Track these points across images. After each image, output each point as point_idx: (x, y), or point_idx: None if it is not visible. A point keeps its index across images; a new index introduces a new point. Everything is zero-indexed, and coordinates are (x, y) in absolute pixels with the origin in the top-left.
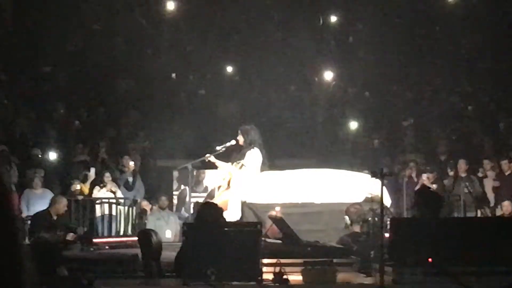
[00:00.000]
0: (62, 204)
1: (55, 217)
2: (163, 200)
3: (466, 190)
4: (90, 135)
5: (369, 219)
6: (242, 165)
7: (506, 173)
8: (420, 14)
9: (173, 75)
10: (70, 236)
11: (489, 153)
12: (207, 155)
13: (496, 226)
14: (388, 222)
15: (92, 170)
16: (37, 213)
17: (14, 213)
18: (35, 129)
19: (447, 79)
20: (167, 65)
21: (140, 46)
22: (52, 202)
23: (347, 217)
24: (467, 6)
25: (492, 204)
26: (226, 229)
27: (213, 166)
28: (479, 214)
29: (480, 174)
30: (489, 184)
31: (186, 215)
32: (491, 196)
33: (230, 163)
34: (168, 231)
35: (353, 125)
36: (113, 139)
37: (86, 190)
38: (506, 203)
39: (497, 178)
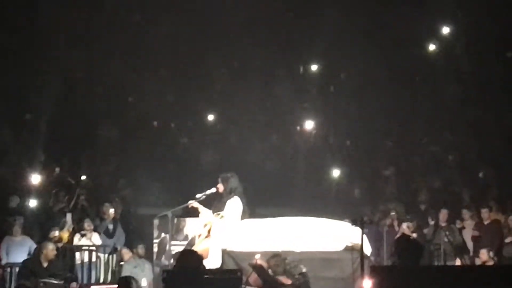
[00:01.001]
0: (50, 249)
1: (45, 264)
2: (140, 248)
3: (446, 239)
4: (70, 183)
5: (303, 270)
6: (222, 216)
7: (485, 222)
8: (402, 64)
9: (155, 123)
10: (74, 285)
11: (468, 203)
12: (190, 201)
13: (476, 274)
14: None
15: (69, 216)
16: (26, 260)
17: None
18: (15, 176)
19: (428, 129)
20: (148, 113)
21: (122, 94)
22: (40, 249)
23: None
24: (449, 57)
25: (471, 253)
26: (206, 276)
27: (194, 214)
28: (459, 263)
29: (458, 224)
30: (468, 234)
31: (166, 263)
32: (470, 245)
33: (211, 211)
34: (144, 279)
35: (334, 173)
36: (93, 187)
37: (64, 237)
38: (483, 251)
39: (476, 228)
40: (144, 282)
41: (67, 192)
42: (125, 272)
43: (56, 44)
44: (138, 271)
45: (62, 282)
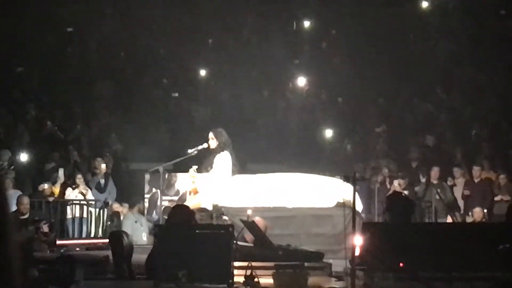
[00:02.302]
0: (23, 204)
1: (22, 217)
2: (140, 204)
3: (437, 197)
4: (62, 137)
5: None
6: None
7: (476, 180)
8: (394, 21)
9: (147, 78)
10: (45, 227)
11: (460, 160)
12: (189, 150)
13: (467, 232)
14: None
15: (61, 171)
16: None
17: (6, 212)
18: (7, 130)
19: (421, 86)
20: (140, 68)
21: (113, 49)
22: (16, 203)
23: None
24: (442, 14)
25: (462, 211)
26: (197, 231)
27: (185, 169)
28: (449, 220)
29: (449, 182)
30: (459, 191)
31: (157, 218)
32: (461, 202)
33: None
34: (144, 233)
35: (326, 130)
36: (85, 141)
37: (56, 191)
38: (477, 209)
39: (467, 185)
40: (144, 236)
41: (59, 146)
42: (125, 227)
43: None
44: (138, 225)
45: (33, 227)
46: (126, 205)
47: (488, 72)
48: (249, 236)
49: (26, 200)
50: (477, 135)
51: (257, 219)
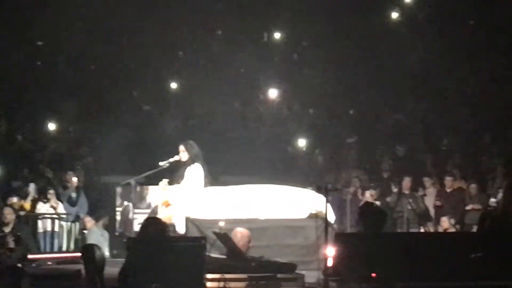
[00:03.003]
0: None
1: None
2: (105, 219)
3: (409, 207)
4: (32, 151)
5: None
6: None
7: (448, 190)
8: (365, 32)
9: (117, 91)
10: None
11: (430, 170)
12: (161, 162)
13: (439, 241)
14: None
15: (32, 186)
16: None
17: None
18: None
19: (392, 97)
20: (111, 81)
21: (84, 62)
22: None
23: None
24: (413, 24)
25: (434, 221)
26: (170, 244)
27: (157, 182)
28: (421, 230)
29: (421, 192)
30: (430, 201)
31: (130, 231)
32: (433, 212)
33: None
34: (106, 248)
35: (298, 141)
36: (55, 155)
37: (27, 206)
38: (443, 218)
39: (439, 196)
40: (107, 251)
41: (29, 161)
42: (90, 240)
43: (19, 9)
44: (103, 240)
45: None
46: (89, 218)
47: (458, 82)
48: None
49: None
50: (447, 145)
51: (240, 231)
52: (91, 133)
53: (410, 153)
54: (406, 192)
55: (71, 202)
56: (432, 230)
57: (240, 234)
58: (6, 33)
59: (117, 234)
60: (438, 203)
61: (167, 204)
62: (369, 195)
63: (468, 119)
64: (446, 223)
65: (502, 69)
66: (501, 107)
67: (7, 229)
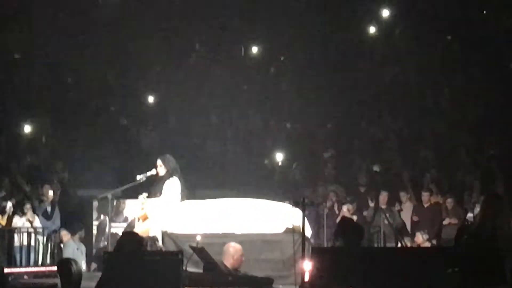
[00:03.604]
0: None
1: None
2: (80, 232)
3: (386, 221)
4: (8, 165)
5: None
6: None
7: (425, 205)
8: (341, 46)
9: (94, 104)
10: None
11: (406, 185)
12: (138, 176)
13: (416, 256)
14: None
15: (9, 204)
16: None
17: None
18: None
19: (368, 111)
20: (87, 94)
21: (60, 75)
22: None
23: None
24: (389, 39)
25: (410, 236)
26: (146, 258)
27: (133, 195)
28: (398, 245)
29: (397, 206)
30: (407, 216)
31: (106, 245)
32: (409, 227)
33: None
34: (83, 261)
35: (275, 155)
36: (31, 168)
37: (3, 221)
38: (418, 234)
39: (416, 211)
40: (83, 264)
41: (6, 175)
42: (66, 254)
43: None
44: (79, 253)
45: None
46: (66, 232)
47: (434, 97)
48: (229, 261)
49: None
50: (423, 159)
51: (233, 245)
52: (67, 146)
53: (387, 167)
54: (383, 206)
55: (47, 216)
56: (409, 245)
57: (232, 248)
58: None
59: (94, 249)
60: (416, 218)
61: (145, 218)
62: (346, 210)
63: (444, 134)
64: (419, 238)
65: (478, 84)
66: (477, 121)
67: None
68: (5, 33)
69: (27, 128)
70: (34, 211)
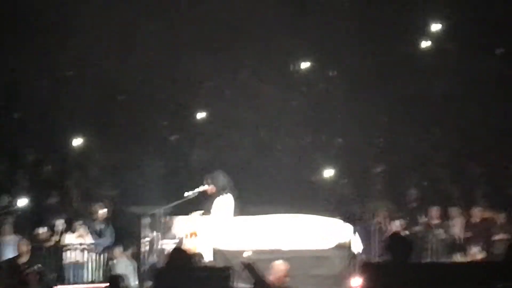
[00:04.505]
0: (23, 249)
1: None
2: (131, 248)
3: (437, 237)
4: (61, 181)
5: None
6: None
7: (476, 220)
8: (391, 61)
9: (145, 121)
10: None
11: (457, 200)
12: (187, 193)
13: (467, 271)
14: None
15: (60, 221)
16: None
17: None
18: (6, 175)
19: (417, 126)
20: (138, 111)
21: (111, 93)
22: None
23: None
24: (439, 53)
25: (462, 251)
26: (196, 274)
27: (184, 212)
28: (450, 260)
29: (448, 221)
30: (457, 231)
31: (156, 262)
32: (460, 242)
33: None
34: (135, 278)
35: (324, 171)
36: (82, 186)
37: (55, 239)
38: (475, 249)
39: (467, 226)
40: (135, 281)
41: (57, 191)
42: (117, 271)
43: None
44: (130, 270)
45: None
46: (119, 249)
47: (484, 111)
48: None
49: (26, 244)
50: (473, 174)
51: (278, 263)
52: (118, 163)
53: (436, 182)
54: (435, 222)
55: (99, 234)
56: (460, 260)
57: (276, 266)
58: (33, 63)
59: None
60: (468, 234)
61: (194, 234)
62: (396, 225)
63: (494, 148)
64: (473, 252)
65: None
66: None
67: (22, 260)
68: (56, 50)
69: (78, 145)
70: (86, 227)
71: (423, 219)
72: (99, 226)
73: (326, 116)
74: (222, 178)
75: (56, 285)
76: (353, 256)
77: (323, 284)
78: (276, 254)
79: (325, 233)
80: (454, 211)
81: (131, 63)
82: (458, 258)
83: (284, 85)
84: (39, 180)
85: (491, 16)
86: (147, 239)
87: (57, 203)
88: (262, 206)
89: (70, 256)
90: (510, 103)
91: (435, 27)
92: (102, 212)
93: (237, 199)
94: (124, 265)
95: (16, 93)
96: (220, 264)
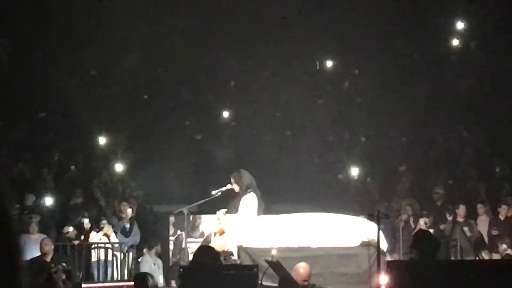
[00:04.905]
0: (46, 248)
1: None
2: (158, 247)
3: (464, 235)
4: (85, 180)
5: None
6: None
7: (502, 218)
8: (416, 59)
9: (169, 120)
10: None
11: (483, 198)
12: (213, 191)
13: (494, 269)
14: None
15: (86, 220)
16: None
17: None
18: (32, 174)
19: (443, 124)
20: (162, 110)
21: (136, 92)
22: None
23: None
24: (465, 52)
25: (489, 249)
26: (222, 272)
27: (210, 211)
28: (476, 258)
29: (475, 219)
30: (483, 228)
31: (182, 260)
32: (487, 240)
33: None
34: (161, 276)
35: (349, 169)
36: (107, 184)
37: (81, 237)
38: (503, 246)
39: (494, 224)
40: (161, 279)
41: (82, 190)
42: (143, 269)
43: (71, 42)
44: (156, 268)
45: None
46: (145, 247)
47: (510, 109)
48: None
49: (49, 243)
50: (500, 172)
51: (301, 265)
52: (143, 162)
53: (463, 180)
54: (461, 219)
55: (125, 233)
56: (486, 258)
57: (301, 268)
58: (58, 64)
59: (171, 264)
60: (495, 232)
61: (222, 233)
62: (423, 223)
63: None
64: (502, 249)
65: None
66: None
67: (46, 259)
68: (82, 50)
69: (103, 144)
70: (111, 226)
71: (449, 217)
72: (125, 225)
73: (351, 114)
74: (245, 176)
75: (83, 283)
76: (379, 254)
77: (349, 282)
78: (303, 252)
79: (350, 231)
80: (480, 208)
81: (156, 63)
82: (484, 255)
83: (309, 84)
84: (64, 179)
85: None
86: (174, 237)
87: (83, 202)
88: (287, 204)
89: (96, 254)
90: None
91: (463, 25)
92: (128, 211)
93: (262, 198)
94: (150, 264)
95: (42, 92)
96: (246, 262)
